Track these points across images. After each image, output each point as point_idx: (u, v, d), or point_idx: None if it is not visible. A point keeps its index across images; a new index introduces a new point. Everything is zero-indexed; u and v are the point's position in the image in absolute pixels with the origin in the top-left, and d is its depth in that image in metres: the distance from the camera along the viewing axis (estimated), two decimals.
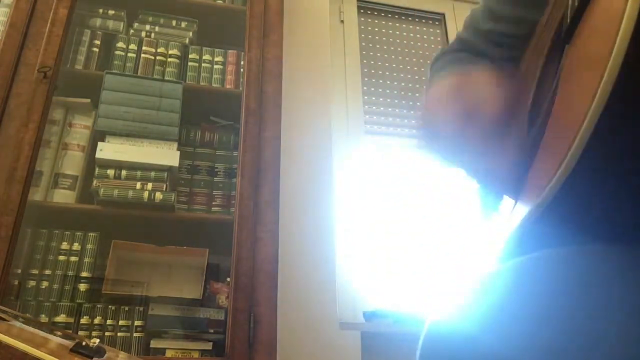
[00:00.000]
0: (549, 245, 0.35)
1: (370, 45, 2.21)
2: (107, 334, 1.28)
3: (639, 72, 0.29)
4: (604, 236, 0.34)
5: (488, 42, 0.66)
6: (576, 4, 0.37)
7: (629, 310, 0.28)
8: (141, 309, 1.33)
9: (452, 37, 2.24)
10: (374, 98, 2.11)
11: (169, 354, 1.28)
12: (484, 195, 0.56)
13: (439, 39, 2.30)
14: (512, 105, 0.59)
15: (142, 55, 1.58)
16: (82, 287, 1.32)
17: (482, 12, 0.68)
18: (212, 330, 1.32)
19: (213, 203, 1.52)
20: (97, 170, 1.40)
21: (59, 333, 0.63)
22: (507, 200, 0.48)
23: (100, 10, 1.65)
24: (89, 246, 1.36)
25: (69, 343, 0.54)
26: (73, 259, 1.34)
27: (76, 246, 1.35)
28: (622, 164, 0.33)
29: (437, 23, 2.33)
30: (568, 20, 0.38)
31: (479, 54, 0.67)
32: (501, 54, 0.64)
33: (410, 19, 2.32)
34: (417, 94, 2.16)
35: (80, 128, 1.48)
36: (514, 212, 0.41)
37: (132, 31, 1.65)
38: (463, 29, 0.72)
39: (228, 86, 1.63)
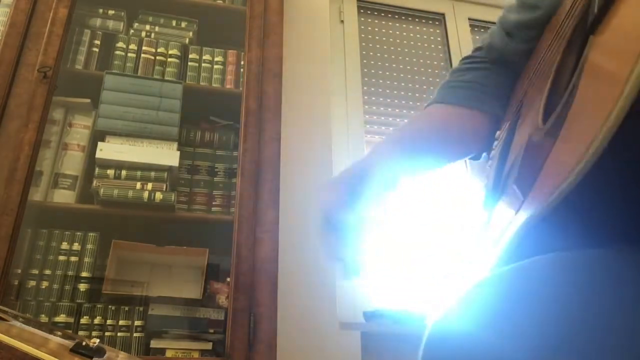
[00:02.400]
0: (552, 249, 0.34)
1: (370, 45, 2.21)
2: (107, 334, 1.28)
3: None
4: (613, 239, 0.33)
5: (510, 36, 0.67)
6: None
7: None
8: (141, 309, 1.33)
9: (452, 37, 2.25)
10: (374, 98, 2.11)
11: (169, 354, 1.28)
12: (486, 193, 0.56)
13: (439, 39, 2.30)
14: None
15: (142, 55, 1.58)
16: (82, 287, 1.32)
17: (511, 7, 0.69)
18: (212, 330, 1.32)
19: (213, 203, 1.52)
20: (97, 170, 1.40)
21: (59, 333, 0.63)
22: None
23: (100, 10, 1.65)
24: (89, 246, 1.36)
25: (69, 343, 0.54)
26: (73, 259, 1.34)
27: (76, 246, 1.35)
28: None
29: (437, 23, 2.33)
30: (595, 10, 0.36)
31: (495, 53, 0.68)
32: (517, 48, 0.65)
33: (410, 19, 2.32)
34: (417, 94, 2.16)
35: (80, 128, 1.48)
36: (519, 212, 0.40)
37: (132, 31, 1.65)
38: (489, 32, 0.73)
39: (228, 86, 1.63)
